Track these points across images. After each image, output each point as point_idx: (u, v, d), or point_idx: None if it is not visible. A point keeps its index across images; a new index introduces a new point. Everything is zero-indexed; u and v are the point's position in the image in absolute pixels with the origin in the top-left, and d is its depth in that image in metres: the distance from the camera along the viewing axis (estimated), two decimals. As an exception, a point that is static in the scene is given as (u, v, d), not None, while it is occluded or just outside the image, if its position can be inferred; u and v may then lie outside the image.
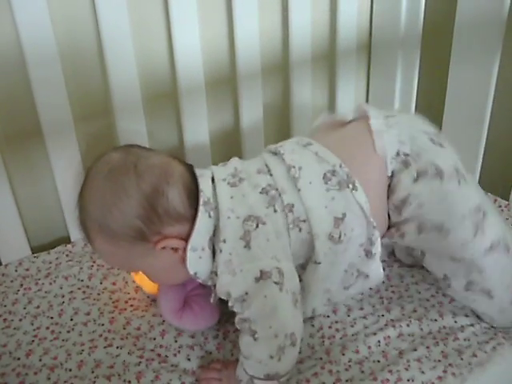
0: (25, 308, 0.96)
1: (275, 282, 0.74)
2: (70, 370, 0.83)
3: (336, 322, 0.91)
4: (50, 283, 1.02)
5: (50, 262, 1.09)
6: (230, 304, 0.77)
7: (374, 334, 0.87)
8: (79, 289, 1.00)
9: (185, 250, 0.78)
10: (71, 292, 1.00)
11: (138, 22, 1.10)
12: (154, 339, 0.88)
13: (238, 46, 1.20)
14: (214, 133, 1.27)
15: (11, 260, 1.09)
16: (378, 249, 0.83)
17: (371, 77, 1.49)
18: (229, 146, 1.34)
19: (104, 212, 0.76)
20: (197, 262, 0.79)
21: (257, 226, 0.78)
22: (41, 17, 0.96)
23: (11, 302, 0.98)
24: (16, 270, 1.07)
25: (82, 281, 1.03)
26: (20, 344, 0.89)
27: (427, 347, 0.84)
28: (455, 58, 1.23)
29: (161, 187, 0.76)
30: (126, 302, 0.96)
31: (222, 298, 0.79)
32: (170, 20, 1.10)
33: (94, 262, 1.07)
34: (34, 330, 0.91)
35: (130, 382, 0.81)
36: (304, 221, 0.80)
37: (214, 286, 0.80)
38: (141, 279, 0.95)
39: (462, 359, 0.82)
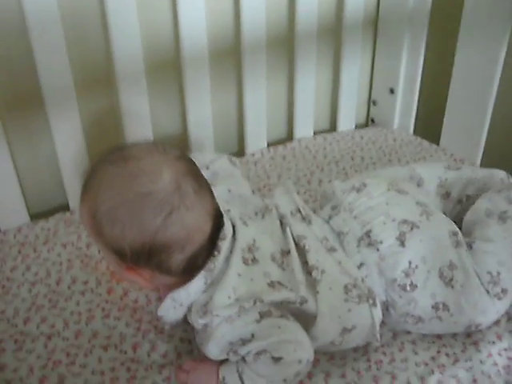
0: (23, 275, 0.97)
1: (279, 316, 0.72)
2: (67, 339, 0.84)
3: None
4: (48, 250, 1.03)
5: (49, 229, 1.09)
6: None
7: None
8: (77, 257, 1.01)
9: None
10: (69, 260, 1.00)
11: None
12: (152, 313, 0.88)
13: (243, 18, 1.18)
14: (217, 106, 1.26)
15: (10, 227, 1.09)
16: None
17: (377, 53, 1.47)
18: (232, 119, 1.35)
19: (110, 214, 0.68)
20: (169, 310, 0.77)
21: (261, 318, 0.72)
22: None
23: (9, 268, 0.99)
24: (15, 237, 1.07)
25: (81, 249, 1.03)
26: (18, 311, 0.89)
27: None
28: (463, 38, 1.22)
29: (171, 249, 0.71)
30: (124, 272, 0.97)
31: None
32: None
33: (93, 230, 1.07)
34: (32, 297, 0.92)
35: (126, 352, 0.82)
36: (311, 319, 0.75)
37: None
38: None
39: (455, 340, 0.83)
